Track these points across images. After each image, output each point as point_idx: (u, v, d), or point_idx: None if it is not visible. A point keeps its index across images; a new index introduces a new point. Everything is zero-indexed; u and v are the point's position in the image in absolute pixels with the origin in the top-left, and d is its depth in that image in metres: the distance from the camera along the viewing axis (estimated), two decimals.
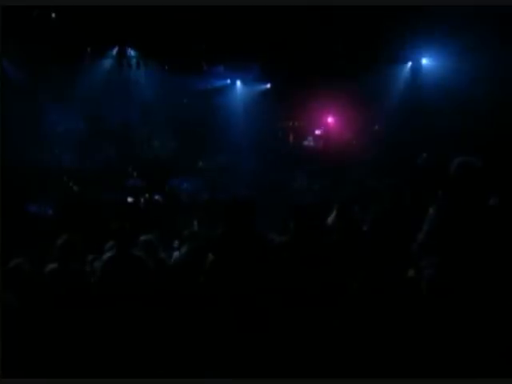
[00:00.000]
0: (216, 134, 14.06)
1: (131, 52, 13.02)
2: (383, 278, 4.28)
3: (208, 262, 3.92)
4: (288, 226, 4.23)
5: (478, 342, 3.33)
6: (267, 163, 14.16)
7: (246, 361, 3.70)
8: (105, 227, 7.17)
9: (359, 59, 12.37)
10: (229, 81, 15.02)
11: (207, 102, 14.60)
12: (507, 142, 9.77)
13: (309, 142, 15.48)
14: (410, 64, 13.30)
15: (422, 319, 3.66)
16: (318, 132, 15.45)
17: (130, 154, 14.12)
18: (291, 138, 15.84)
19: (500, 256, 3.36)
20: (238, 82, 15.07)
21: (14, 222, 7.98)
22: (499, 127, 10.64)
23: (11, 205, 8.88)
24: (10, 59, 11.61)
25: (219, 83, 14.88)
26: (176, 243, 7.68)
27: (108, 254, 5.11)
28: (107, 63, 13.14)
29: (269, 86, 14.95)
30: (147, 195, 13.17)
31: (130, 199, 12.89)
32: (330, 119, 15.13)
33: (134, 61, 13.07)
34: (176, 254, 6.59)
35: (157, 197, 13.21)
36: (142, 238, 5.64)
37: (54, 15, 11.01)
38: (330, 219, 4.89)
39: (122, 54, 12.98)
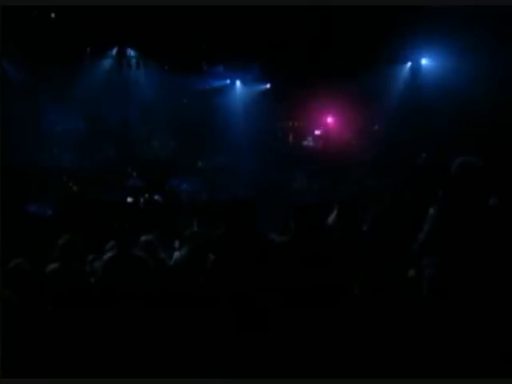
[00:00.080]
0: (216, 134, 14.06)
1: (131, 52, 13.01)
2: (383, 277, 4.28)
3: (209, 262, 3.92)
4: (288, 226, 4.23)
5: (478, 342, 3.33)
6: (267, 163, 14.16)
7: (247, 361, 3.70)
8: (104, 227, 7.17)
9: (359, 59, 12.38)
10: (228, 81, 15.02)
11: (207, 102, 14.59)
12: (507, 142, 9.78)
13: (308, 142, 15.48)
14: (409, 64, 13.31)
15: (423, 319, 3.66)
16: (317, 132, 15.44)
17: (129, 154, 14.11)
18: (291, 138, 15.83)
19: (501, 256, 3.37)
20: (238, 82, 15.07)
21: (13, 222, 7.96)
22: (499, 127, 10.64)
23: (11, 205, 8.87)
24: (9, 59, 11.60)
25: (219, 83, 14.86)
26: (176, 243, 7.67)
27: (109, 254, 5.11)
28: (107, 63, 13.12)
29: (268, 86, 14.94)
30: (147, 195, 13.16)
31: (129, 199, 12.88)
32: (329, 119, 15.12)
33: (133, 61, 13.06)
34: (176, 254, 6.58)
35: (156, 197, 13.20)
36: (143, 238, 5.64)
37: (53, 15, 10.99)
38: (331, 219, 4.88)
39: (121, 54, 12.97)
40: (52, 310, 4.69)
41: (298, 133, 15.73)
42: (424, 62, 12.97)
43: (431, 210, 3.75)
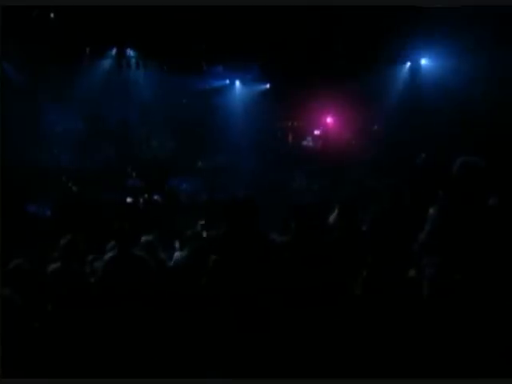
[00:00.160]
0: (215, 134, 14.07)
1: (130, 52, 13.01)
2: (384, 277, 4.29)
3: (210, 263, 3.92)
4: (289, 226, 4.24)
5: (478, 341, 3.34)
6: (266, 163, 14.16)
7: (248, 361, 3.70)
8: (104, 227, 7.17)
9: (358, 59, 12.39)
10: (228, 81, 15.03)
11: (206, 102, 14.60)
12: (506, 141, 9.79)
13: (308, 142, 15.49)
14: (408, 64, 13.32)
15: (423, 319, 3.66)
16: (317, 132, 15.46)
17: (128, 154, 14.11)
18: (290, 138, 15.85)
19: (501, 256, 3.37)
20: (237, 82, 15.08)
21: (13, 222, 7.96)
22: (498, 127, 10.65)
23: (10, 205, 8.87)
24: (9, 59, 11.60)
25: (218, 83, 14.87)
26: (176, 243, 7.65)
27: (109, 254, 5.11)
28: (106, 63, 13.12)
29: (268, 86, 14.96)
30: (146, 195, 13.16)
31: (129, 199, 12.88)
32: (329, 119, 15.14)
33: (133, 61, 13.07)
34: (176, 254, 6.59)
35: (156, 197, 13.20)
36: (143, 238, 5.65)
37: (52, 15, 10.99)
38: (332, 218, 4.89)
39: (121, 55, 12.98)
40: (53, 309, 4.69)
41: (298, 133, 15.74)
42: (423, 62, 12.99)
43: (432, 210, 3.75)
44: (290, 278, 3.88)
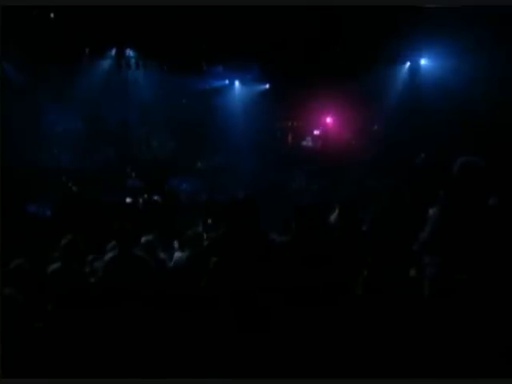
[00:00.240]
0: (215, 134, 14.07)
1: (130, 52, 13.00)
2: (385, 277, 4.29)
3: (211, 263, 3.92)
4: (289, 225, 4.24)
5: (478, 341, 3.34)
6: (266, 163, 14.17)
7: (249, 361, 3.70)
8: (103, 228, 7.17)
9: (358, 59, 12.39)
10: (227, 81, 15.03)
11: (206, 102, 14.61)
12: (506, 142, 9.79)
13: (307, 142, 15.49)
14: (408, 64, 13.33)
15: (424, 318, 3.66)
16: (316, 132, 15.46)
17: (128, 154, 14.11)
18: (290, 138, 15.85)
19: (502, 256, 3.37)
20: (237, 83, 15.08)
21: (13, 222, 7.96)
22: (498, 127, 10.66)
23: (10, 205, 8.87)
24: (9, 59, 11.60)
25: (218, 83, 14.88)
26: (175, 244, 7.63)
27: (110, 254, 5.10)
28: (106, 63, 13.12)
29: (267, 86, 14.96)
30: (146, 195, 13.16)
31: (128, 200, 12.87)
32: (328, 119, 15.14)
33: (132, 61, 13.06)
34: (177, 254, 6.58)
35: (156, 197, 13.20)
36: (143, 238, 5.64)
37: (52, 15, 10.98)
38: (333, 218, 4.89)
39: (120, 55, 12.97)
40: (53, 309, 4.69)
41: (297, 133, 15.74)
42: (423, 62, 12.99)
43: (432, 210, 3.76)
44: (290, 278, 3.89)
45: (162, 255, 6.29)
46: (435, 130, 12.11)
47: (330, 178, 13.28)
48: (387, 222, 4.79)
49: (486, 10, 9.11)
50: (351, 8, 9.60)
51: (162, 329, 4.65)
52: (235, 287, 3.81)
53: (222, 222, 4.35)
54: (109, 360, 4.45)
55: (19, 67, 11.93)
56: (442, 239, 3.53)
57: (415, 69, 13.18)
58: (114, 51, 12.92)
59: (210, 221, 9.51)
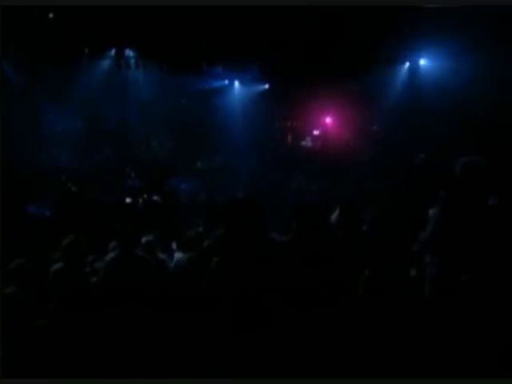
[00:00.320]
0: (214, 135, 14.08)
1: (130, 52, 13.00)
2: (386, 277, 4.29)
3: (213, 264, 3.92)
4: (289, 226, 4.24)
5: (478, 341, 3.35)
6: (265, 163, 14.17)
7: (250, 361, 3.70)
8: (103, 228, 7.17)
9: (357, 59, 12.39)
10: (227, 81, 15.03)
11: (205, 102, 14.61)
12: (505, 142, 9.80)
13: (307, 143, 15.50)
14: (407, 64, 13.34)
15: (425, 318, 3.67)
16: (316, 132, 15.47)
17: (128, 154, 14.10)
18: (289, 138, 15.86)
19: (503, 256, 3.38)
20: (236, 83, 15.09)
21: (13, 222, 7.95)
22: (497, 127, 10.67)
23: (9, 205, 8.86)
24: (8, 60, 11.59)
25: (217, 83, 14.89)
26: (174, 245, 7.59)
27: (111, 255, 5.10)
28: (106, 63, 13.12)
29: (267, 86, 14.97)
30: (145, 195, 13.15)
31: (128, 200, 12.87)
32: (328, 119, 15.15)
33: (132, 61, 13.06)
34: (177, 255, 6.56)
35: (155, 197, 13.19)
36: (144, 238, 5.64)
37: (51, 15, 10.98)
38: (334, 218, 4.89)
39: (119, 55, 12.97)
40: (55, 309, 4.69)
41: (297, 133, 15.75)
42: (422, 62, 13.00)
43: (433, 211, 3.76)
44: (292, 278, 3.89)
45: (162, 255, 6.29)
46: (434, 130, 12.12)
47: (329, 178, 13.28)
48: (387, 223, 4.79)
49: (485, 10, 9.11)
50: (351, 8, 9.60)
51: (163, 329, 4.65)
52: (237, 287, 3.81)
53: (222, 222, 4.33)
54: (110, 360, 4.45)
55: (19, 67, 11.92)
56: (442, 239, 3.54)
57: (414, 69, 13.19)
58: (113, 51, 12.92)
59: (208, 221, 9.47)
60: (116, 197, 12.58)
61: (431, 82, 12.38)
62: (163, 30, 11.26)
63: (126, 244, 4.95)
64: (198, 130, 14.25)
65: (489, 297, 3.35)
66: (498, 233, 3.42)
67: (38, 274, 4.91)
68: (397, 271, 4.34)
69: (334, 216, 4.90)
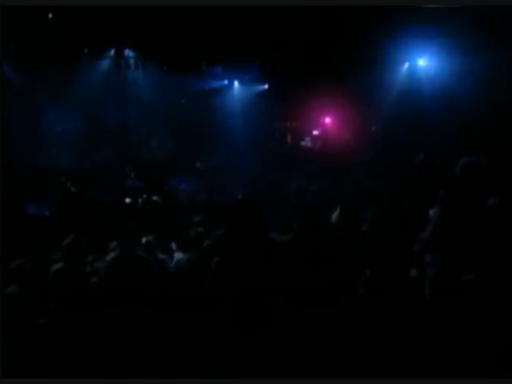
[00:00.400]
0: (214, 135, 14.08)
1: (129, 53, 13.00)
2: (386, 277, 4.30)
3: (213, 264, 3.92)
4: (289, 226, 4.25)
5: (479, 341, 3.35)
6: (265, 164, 14.17)
7: (250, 361, 3.70)
8: (103, 228, 7.17)
9: (356, 60, 12.39)
10: (226, 81, 15.04)
11: (205, 102, 14.61)
12: (505, 142, 9.80)
13: (306, 143, 15.52)
14: (407, 64, 13.33)
15: (425, 318, 3.67)
16: (315, 132, 15.49)
17: (127, 154, 14.10)
18: (289, 138, 15.87)
19: (503, 256, 3.38)
20: (236, 83, 15.09)
21: (12, 222, 7.95)
22: (497, 127, 10.67)
23: (9, 205, 8.86)
24: (8, 60, 11.58)
25: (217, 83, 14.89)
26: (173, 245, 7.58)
27: (112, 255, 5.10)
28: (105, 64, 13.11)
29: (266, 86, 14.97)
30: (145, 196, 13.15)
31: (127, 200, 12.86)
32: (327, 120, 15.16)
33: (132, 61, 13.06)
34: (177, 255, 6.57)
35: (155, 197, 13.19)
36: (144, 238, 5.64)
37: (51, 16, 10.97)
38: (334, 218, 4.90)
39: (119, 55, 12.96)
40: (55, 309, 4.69)
41: (296, 133, 15.77)
42: (421, 62, 12.99)
43: (433, 211, 3.77)
44: (292, 278, 3.89)
45: (162, 256, 6.29)
46: (434, 130, 12.12)
47: (329, 179, 13.28)
48: (387, 223, 4.80)
49: (485, 10, 9.11)
50: (350, 8, 9.60)
51: (164, 329, 4.65)
52: (237, 287, 3.81)
53: (222, 222, 4.34)
54: (110, 360, 4.45)
55: (19, 67, 11.92)
56: (442, 239, 3.54)
57: (414, 69, 13.19)
58: (113, 51, 12.92)
59: (208, 221, 9.46)
60: (116, 197, 12.57)
61: (431, 82, 12.38)
62: (163, 30, 11.25)
63: (126, 244, 4.95)
64: (197, 130, 14.25)
65: (489, 297, 3.36)
66: (498, 233, 3.42)
67: (39, 274, 4.91)
68: (397, 271, 4.34)
69: (335, 216, 4.90)
